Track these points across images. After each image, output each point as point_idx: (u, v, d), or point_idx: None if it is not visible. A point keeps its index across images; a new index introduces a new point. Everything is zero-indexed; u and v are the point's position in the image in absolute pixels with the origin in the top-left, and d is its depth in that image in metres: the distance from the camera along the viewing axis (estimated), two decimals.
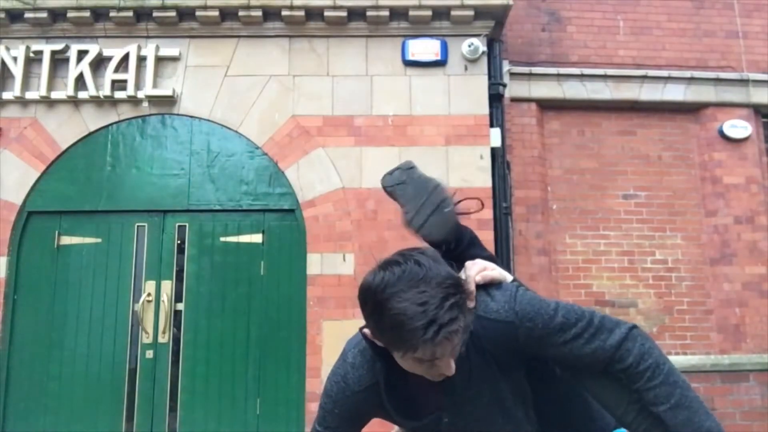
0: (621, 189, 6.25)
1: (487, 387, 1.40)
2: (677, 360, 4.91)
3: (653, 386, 1.23)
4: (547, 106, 6.28)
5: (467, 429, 1.45)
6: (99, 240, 5.48)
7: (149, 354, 5.31)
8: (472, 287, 1.34)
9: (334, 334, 5.16)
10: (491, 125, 5.61)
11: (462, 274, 1.36)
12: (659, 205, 6.27)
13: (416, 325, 1.13)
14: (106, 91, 5.54)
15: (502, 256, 5.45)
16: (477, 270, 1.40)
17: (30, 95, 5.56)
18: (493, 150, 5.58)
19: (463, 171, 5.44)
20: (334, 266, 5.34)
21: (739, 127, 6.32)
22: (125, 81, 5.55)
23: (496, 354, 1.31)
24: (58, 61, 5.62)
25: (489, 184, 5.46)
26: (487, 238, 5.34)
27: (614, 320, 1.32)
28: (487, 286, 1.37)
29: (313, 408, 5.06)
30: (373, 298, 1.20)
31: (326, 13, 5.60)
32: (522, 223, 5.99)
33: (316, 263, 5.36)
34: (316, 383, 5.10)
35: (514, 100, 6.16)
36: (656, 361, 1.24)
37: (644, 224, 6.23)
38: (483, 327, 1.31)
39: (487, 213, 5.40)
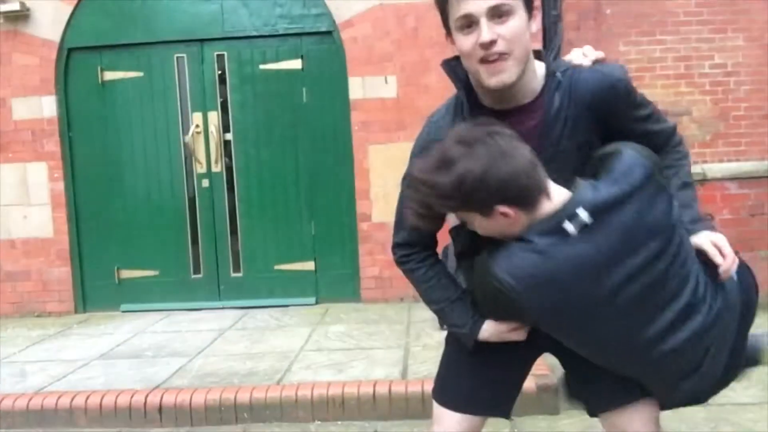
0: None
1: (580, 140, 1.50)
2: (730, 167, 4.81)
3: (684, 164, 1.61)
4: None
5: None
6: (141, 74, 5.47)
7: (205, 183, 5.52)
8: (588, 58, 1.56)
9: (381, 158, 5.21)
10: None
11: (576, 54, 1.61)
12: (721, 4, 5.78)
13: None
14: None
15: None
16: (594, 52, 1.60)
17: None
18: None
19: None
20: (376, 89, 5.25)
21: None
22: None
23: (593, 107, 1.45)
24: None
25: None
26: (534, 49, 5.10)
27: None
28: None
29: (365, 227, 5.28)
30: None
31: None
32: (572, 31, 5.66)
33: (357, 87, 5.27)
34: (366, 205, 5.27)
35: None
36: (688, 151, 1.64)
37: (704, 26, 5.79)
38: (589, 77, 1.48)
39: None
